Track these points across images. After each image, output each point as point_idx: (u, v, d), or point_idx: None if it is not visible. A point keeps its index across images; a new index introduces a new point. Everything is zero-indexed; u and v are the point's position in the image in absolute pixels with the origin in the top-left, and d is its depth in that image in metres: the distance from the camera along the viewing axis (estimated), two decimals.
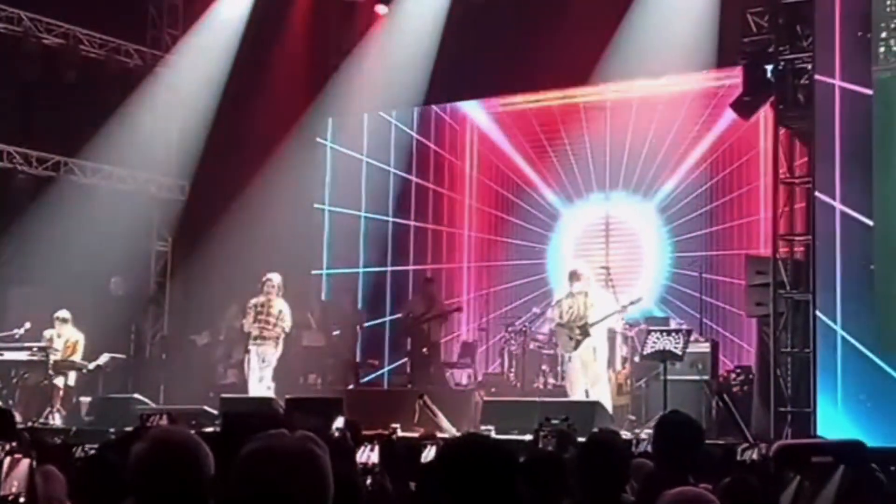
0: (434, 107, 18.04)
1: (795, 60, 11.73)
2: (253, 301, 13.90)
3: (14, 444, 4.81)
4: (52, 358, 14.23)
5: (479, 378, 15.43)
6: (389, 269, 18.41)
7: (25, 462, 4.48)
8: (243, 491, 2.65)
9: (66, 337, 14.52)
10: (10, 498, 4.54)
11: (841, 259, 11.05)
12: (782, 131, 11.98)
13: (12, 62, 15.84)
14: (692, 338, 12.59)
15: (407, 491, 5.49)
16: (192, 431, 3.32)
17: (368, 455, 5.50)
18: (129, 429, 8.68)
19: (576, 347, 12.51)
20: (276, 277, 13.96)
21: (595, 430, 10.10)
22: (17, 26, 16.19)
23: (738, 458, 6.55)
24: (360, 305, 18.04)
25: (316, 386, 16.25)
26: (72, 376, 14.47)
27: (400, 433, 10.89)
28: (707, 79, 15.43)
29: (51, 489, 5.12)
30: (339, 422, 8.06)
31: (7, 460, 4.54)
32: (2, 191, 15.98)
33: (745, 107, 12.52)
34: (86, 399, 14.21)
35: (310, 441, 2.70)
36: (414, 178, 18.33)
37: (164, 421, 8.57)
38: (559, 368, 14.00)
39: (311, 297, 17.67)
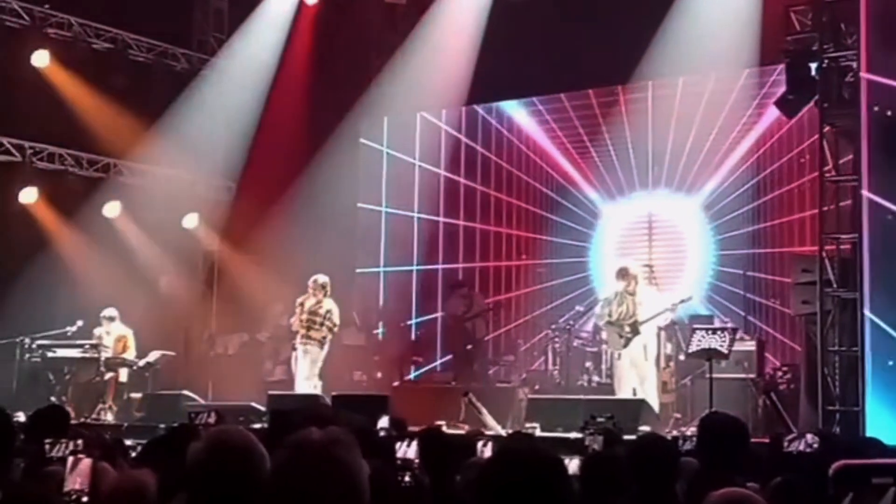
0: (477, 107, 18.10)
1: (840, 58, 11.65)
2: (300, 300, 14.02)
3: (80, 441, 4.93)
4: (104, 355, 14.45)
5: (523, 375, 15.47)
6: (418, 267, 18.52)
7: (87, 461, 4.59)
8: (277, 497, 2.70)
9: (115, 334, 14.75)
10: (74, 497, 4.63)
11: (889, 257, 10.99)
12: (827, 129, 11.91)
13: (64, 66, 16.08)
14: (738, 336, 12.57)
15: (450, 488, 5.49)
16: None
17: (406, 451, 5.55)
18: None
19: (626, 345, 12.53)
20: (323, 277, 14.07)
21: (642, 429, 10.22)
22: (67, 31, 16.45)
23: (785, 448, 6.53)
24: (413, 303, 18.13)
25: (362, 383, 16.38)
26: (123, 373, 14.67)
27: (445, 430, 10.96)
28: (750, 77, 15.38)
29: (103, 485, 5.23)
30: (384, 421, 8.07)
31: (70, 458, 4.65)
32: (53, 192, 16.22)
33: (788, 105, 12.47)
34: (136, 395, 14.40)
35: (334, 445, 2.71)
36: (454, 177, 18.40)
37: (211, 418, 8.65)
38: (603, 366, 14.03)
39: (356, 296, 17.78)
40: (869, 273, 11.12)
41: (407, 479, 5.17)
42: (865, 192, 11.13)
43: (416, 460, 5.60)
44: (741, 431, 5.00)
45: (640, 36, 14.93)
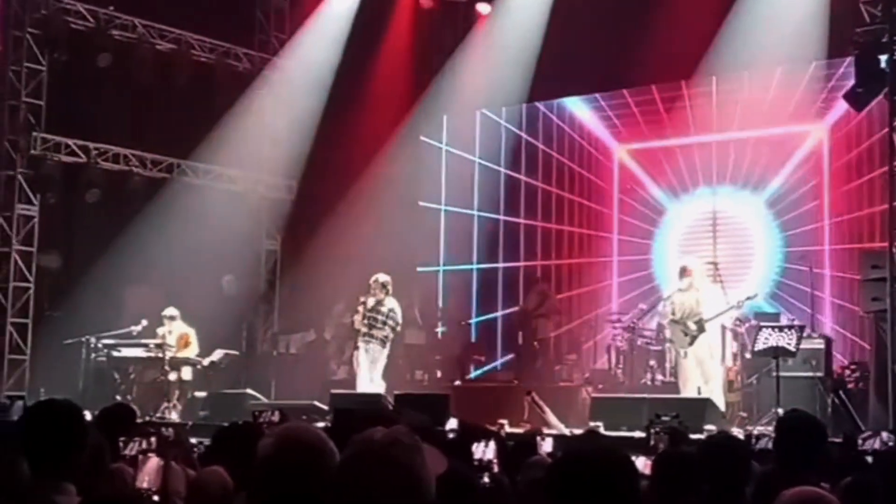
0: (538, 104, 17.99)
1: None
2: (363, 299, 14.00)
3: (151, 440, 4.94)
4: (168, 354, 14.56)
5: (586, 374, 15.35)
6: (501, 265, 18.46)
7: (156, 459, 4.59)
8: (340, 498, 2.70)
9: (176, 332, 14.84)
10: (144, 495, 4.65)
11: None
12: None
13: (127, 68, 16.24)
14: (805, 333, 12.36)
15: (518, 486, 5.45)
16: None
17: (484, 451, 5.50)
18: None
19: (691, 343, 12.37)
20: (384, 276, 14.05)
21: (707, 428, 10.08)
22: (131, 33, 16.61)
23: (860, 447, 6.42)
24: (473, 302, 18.10)
25: (423, 382, 16.35)
26: (186, 372, 14.76)
27: (507, 429, 10.91)
28: (817, 70, 15.12)
29: (172, 484, 5.24)
30: (453, 423, 8.03)
31: (140, 457, 4.66)
32: (117, 192, 16.38)
33: (857, 98, 12.26)
34: (200, 394, 14.48)
35: (394, 446, 2.70)
36: (516, 175, 18.32)
37: (275, 417, 8.67)
38: (667, 365, 13.87)
39: (416, 295, 17.76)
40: None
41: (486, 479, 5.13)
42: None
43: (495, 461, 5.55)
44: (820, 431, 4.88)
45: (704, 30, 14.75)
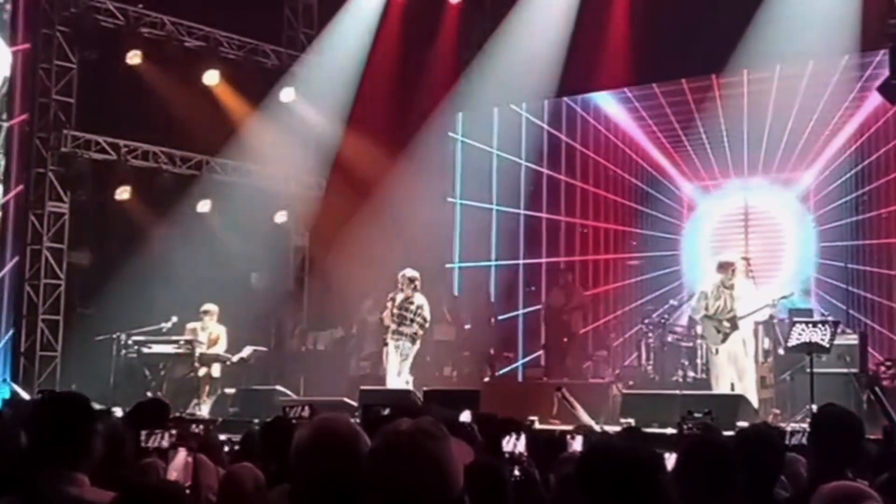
0: (566, 98, 17.90)
1: None
2: (392, 295, 13.97)
3: (175, 432, 4.91)
4: (198, 351, 14.58)
5: (616, 371, 15.26)
6: (522, 261, 18.38)
7: (185, 453, 4.57)
8: (370, 487, 2.75)
9: (209, 330, 14.85)
10: None
11: None
12: None
13: (156, 65, 16.28)
14: (839, 329, 12.21)
15: (549, 483, 5.41)
16: None
17: (515, 444, 5.44)
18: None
19: (724, 340, 12.24)
20: (412, 272, 14.01)
21: (740, 425, 9.96)
22: (160, 30, 16.65)
23: None
24: (492, 298, 18.05)
25: (452, 379, 16.32)
26: (216, 368, 14.78)
27: (537, 426, 10.84)
28: (851, 62, 14.94)
29: (203, 478, 5.21)
30: (466, 416, 7.99)
31: (170, 451, 4.64)
32: (148, 189, 16.44)
33: (892, 91, 12.13)
34: (230, 390, 14.50)
35: (422, 434, 2.74)
36: (546, 171, 18.24)
37: (305, 412, 8.64)
38: (699, 361, 13.76)
39: (445, 291, 17.72)
40: None
41: (516, 472, 5.09)
42: None
43: (525, 454, 5.49)
44: (856, 426, 4.80)
45: (734, 23, 14.62)
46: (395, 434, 2.76)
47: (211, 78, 16.84)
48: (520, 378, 17.04)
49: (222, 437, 8.64)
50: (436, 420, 2.88)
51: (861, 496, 3.61)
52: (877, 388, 10.04)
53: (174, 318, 14.81)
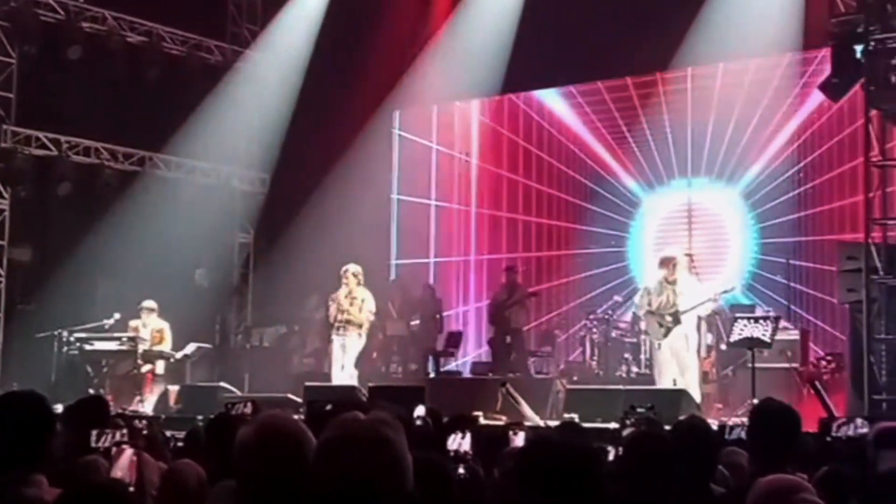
0: (513, 96, 17.95)
1: (886, 40, 11.42)
2: (336, 291, 13.96)
3: (123, 432, 4.87)
4: (141, 347, 14.48)
5: (561, 366, 15.33)
6: (454, 258, 18.42)
7: (130, 451, 4.53)
8: (322, 478, 2.70)
9: (151, 326, 14.77)
10: None
11: None
12: (873, 113, 11.69)
13: (98, 60, 16.10)
14: (780, 325, 12.37)
15: (492, 478, 5.43)
16: None
17: (460, 442, 5.45)
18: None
19: (666, 335, 12.33)
20: (355, 267, 14.00)
21: (682, 416, 10.04)
22: (101, 25, 16.46)
23: (834, 433, 6.39)
24: (448, 294, 18.08)
25: (397, 374, 16.33)
26: (160, 365, 14.69)
27: (482, 421, 10.86)
28: (793, 61, 15.12)
29: (147, 476, 5.17)
30: (420, 410, 8.02)
31: (114, 449, 4.60)
32: (90, 186, 16.26)
33: (833, 89, 12.24)
34: (174, 387, 14.40)
35: (381, 424, 2.73)
36: (489, 167, 18.28)
37: (248, 409, 8.60)
38: (642, 356, 13.87)
39: (391, 287, 17.71)
40: None
41: (461, 471, 5.08)
42: None
43: (470, 452, 5.50)
44: (794, 419, 4.85)
45: (678, 21, 14.72)
46: (354, 423, 2.74)
47: (154, 74, 16.66)
48: (465, 374, 17.05)
49: (166, 433, 8.59)
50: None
51: (796, 489, 3.64)
52: (816, 383, 10.18)
53: (117, 315, 14.71)
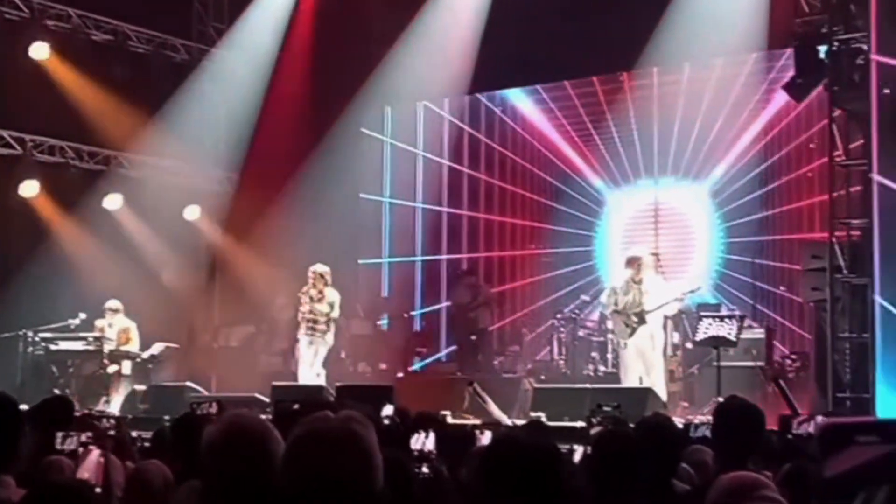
0: (480, 96, 17.97)
1: (850, 40, 11.52)
2: (303, 290, 13.94)
3: (89, 434, 4.85)
4: (108, 347, 14.40)
5: (528, 366, 15.38)
6: (422, 258, 18.44)
7: (97, 452, 4.51)
8: (293, 475, 2.70)
9: (117, 326, 14.69)
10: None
11: None
12: (837, 113, 11.79)
13: (63, 58, 15.97)
14: (746, 324, 12.48)
15: (459, 477, 5.45)
16: None
17: (424, 442, 5.46)
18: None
19: (632, 335, 12.40)
20: (322, 267, 13.99)
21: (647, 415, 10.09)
22: (66, 23, 16.33)
23: (794, 430, 6.47)
24: (416, 294, 18.07)
25: (366, 374, 16.32)
26: (126, 365, 14.61)
27: (450, 420, 10.89)
28: (758, 61, 15.23)
29: (114, 478, 5.15)
30: (388, 409, 8.04)
31: (80, 450, 4.58)
32: (55, 184, 16.13)
33: (797, 89, 12.33)
34: (140, 387, 14.33)
35: (353, 422, 2.74)
36: (456, 166, 18.31)
37: (214, 409, 8.60)
38: (609, 356, 13.94)
39: (359, 287, 17.69)
40: (879, 258, 11.00)
41: (425, 470, 5.10)
42: (876, 176, 11.00)
43: (434, 452, 5.51)
44: (757, 417, 4.90)
45: (645, 21, 14.77)
46: (326, 421, 2.75)
47: (118, 72, 16.56)
48: (434, 374, 17.06)
49: (133, 433, 8.56)
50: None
51: (757, 486, 3.68)
52: (780, 381, 10.27)
53: (82, 315, 14.62)
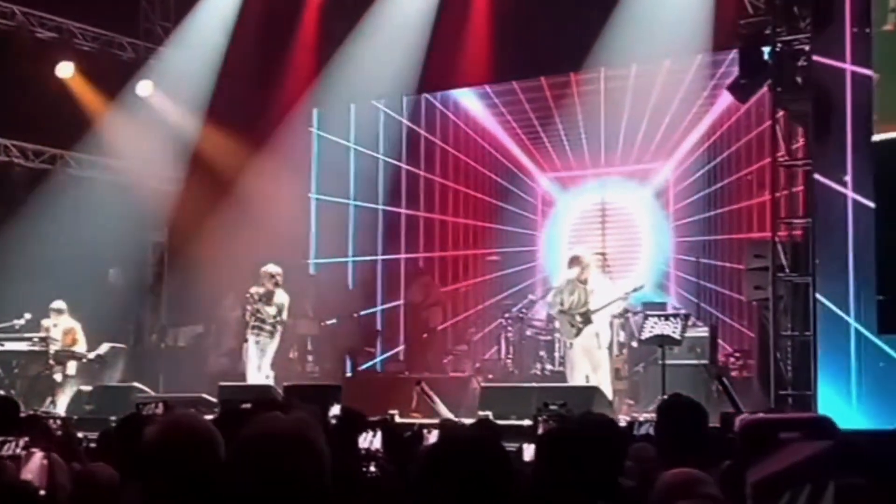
0: (428, 95, 18.00)
1: (793, 42, 11.67)
2: (252, 290, 13.90)
3: (28, 438, 4.81)
4: (53, 348, 14.28)
5: (477, 365, 15.43)
6: (380, 257, 18.44)
7: (40, 455, 4.49)
8: (242, 476, 2.70)
9: (62, 326, 14.58)
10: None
11: (841, 241, 11.02)
12: (780, 114, 11.93)
13: (7, 56, 15.80)
14: (690, 322, 12.61)
15: (406, 477, 5.48)
16: None
17: (371, 441, 5.48)
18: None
19: (577, 334, 12.48)
20: (274, 268, 13.97)
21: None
22: (10, 20, 16.16)
23: (735, 428, 6.57)
24: (364, 294, 18.08)
25: (314, 374, 16.30)
26: (72, 366, 14.50)
27: (398, 419, 10.92)
28: (703, 62, 15.38)
29: (58, 479, 5.13)
30: (335, 409, 8.05)
31: (23, 453, 4.55)
32: None
33: (742, 90, 12.45)
34: (86, 388, 14.22)
35: (303, 423, 2.75)
36: (405, 166, 18.33)
37: (159, 409, 8.56)
38: (556, 354, 14.02)
39: (307, 287, 17.64)
40: (820, 257, 11.17)
41: (372, 469, 5.11)
42: (818, 176, 11.17)
43: (381, 451, 5.54)
44: (699, 414, 4.96)
45: (592, 22, 14.87)
46: (275, 421, 2.76)
47: (64, 70, 16.41)
48: (382, 373, 17.07)
49: (78, 434, 8.50)
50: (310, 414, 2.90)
51: (697, 482, 3.76)
52: (724, 379, 10.39)
53: (27, 315, 14.49)
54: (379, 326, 18.11)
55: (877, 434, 8.24)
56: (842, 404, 10.73)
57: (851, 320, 10.78)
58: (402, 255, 18.30)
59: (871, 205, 10.69)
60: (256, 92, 17.22)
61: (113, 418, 9.79)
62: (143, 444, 3.12)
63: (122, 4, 17.62)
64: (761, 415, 4.95)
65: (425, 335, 15.91)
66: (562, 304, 12.66)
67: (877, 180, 10.69)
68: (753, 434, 3.59)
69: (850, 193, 10.86)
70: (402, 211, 18.39)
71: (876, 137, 10.69)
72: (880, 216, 10.60)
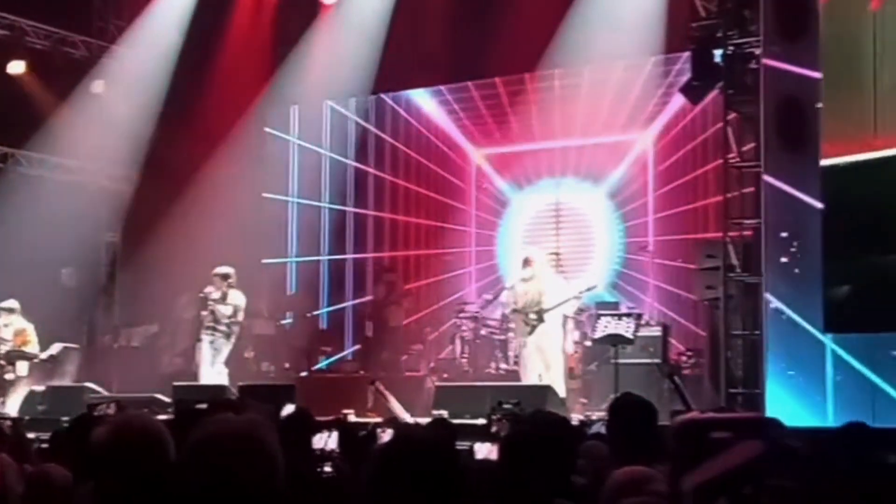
0: (384, 95, 18.02)
1: (744, 45, 11.81)
2: (206, 290, 13.86)
3: None
4: (4, 348, 14.16)
5: (431, 364, 15.47)
6: (327, 257, 18.46)
7: None
8: (194, 477, 2.70)
9: (14, 327, 14.44)
10: None
11: (789, 242, 11.18)
12: (731, 115, 12.07)
13: None
14: (643, 321, 12.73)
15: (360, 476, 5.49)
16: None
17: (327, 441, 5.50)
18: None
19: (531, 333, 12.57)
20: (227, 268, 13.94)
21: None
22: None
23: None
24: (321, 293, 18.07)
25: (269, 373, 16.28)
26: (23, 366, 14.37)
27: (353, 419, 10.96)
28: (656, 64, 15.52)
29: (8, 481, 5.10)
30: (289, 409, 8.07)
31: None
32: None
33: (694, 91, 12.59)
34: (38, 388, 14.10)
35: (255, 424, 2.75)
36: (360, 166, 18.35)
37: (111, 409, 8.52)
38: (511, 353, 14.08)
39: (262, 287, 17.61)
40: (770, 257, 11.32)
41: (327, 469, 5.13)
42: (767, 178, 11.31)
43: (337, 451, 5.56)
44: (649, 412, 5.03)
45: (546, 24, 14.95)
46: (227, 423, 2.75)
47: (16, 68, 16.27)
48: (337, 372, 17.07)
49: (30, 435, 8.46)
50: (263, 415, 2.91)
51: (647, 480, 3.83)
52: (675, 378, 10.50)
53: None
54: (336, 326, 18.11)
55: (817, 432, 8.40)
56: (790, 402, 10.88)
57: (799, 319, 10.93)
58: (358, 255, 18.31)
59: (820, 206, 10.86)
60: (211, 91, 17.13)
61: (65, 419, 9.74)
62: (94, 444, 3.11)
63: (75, 2, 17.50)
64: (695, 414, 5.00)
65: (384, 333, 15.94)
66: (515, 303, 12.75)
67: (824, 181, 10.87)
68: (685, 434, 3.65)
69: (798, 194, 11.02)
70: (358, 210, 18.39)
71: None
72: (827, 217, 10.77)
